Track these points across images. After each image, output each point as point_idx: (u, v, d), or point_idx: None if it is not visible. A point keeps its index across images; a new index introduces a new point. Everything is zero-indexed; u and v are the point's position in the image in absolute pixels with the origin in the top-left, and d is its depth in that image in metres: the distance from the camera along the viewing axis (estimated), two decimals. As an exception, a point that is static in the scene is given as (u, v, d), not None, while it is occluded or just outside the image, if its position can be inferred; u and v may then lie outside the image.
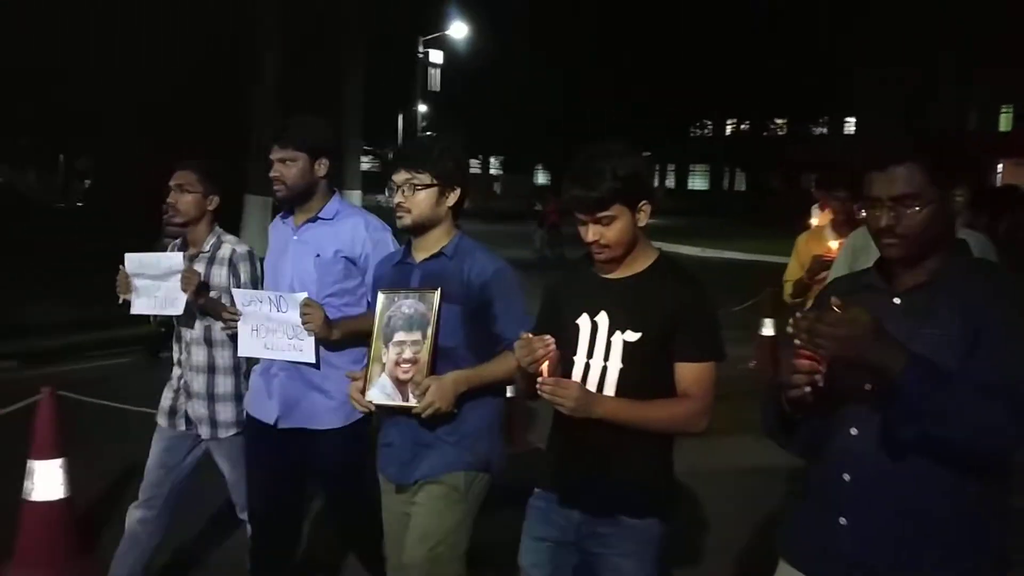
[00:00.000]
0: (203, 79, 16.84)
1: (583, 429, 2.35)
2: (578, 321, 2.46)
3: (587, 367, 2.43)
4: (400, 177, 2.76)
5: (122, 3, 16.60)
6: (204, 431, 3.51)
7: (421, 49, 28.03)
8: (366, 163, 32.66)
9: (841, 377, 1.81)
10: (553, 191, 25.94)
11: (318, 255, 3.20)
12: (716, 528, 4.57)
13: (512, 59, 35.61)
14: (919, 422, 1.72)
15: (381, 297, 2.81)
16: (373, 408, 2.78)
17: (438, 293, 2.70)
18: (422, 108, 28.29)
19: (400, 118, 30.82)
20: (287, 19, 13.50)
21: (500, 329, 2.73)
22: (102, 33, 16.82)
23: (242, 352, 3.27)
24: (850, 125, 45.11)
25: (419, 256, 2.84)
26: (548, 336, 2.33)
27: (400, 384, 2.71)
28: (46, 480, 3.61)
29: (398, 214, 2.78)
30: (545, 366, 2.29)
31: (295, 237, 3.28)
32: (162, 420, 3.56)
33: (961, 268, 1.91)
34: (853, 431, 1.90)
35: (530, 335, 2.33)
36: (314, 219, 3.26)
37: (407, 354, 2.71)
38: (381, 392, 2.74)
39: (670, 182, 53.69)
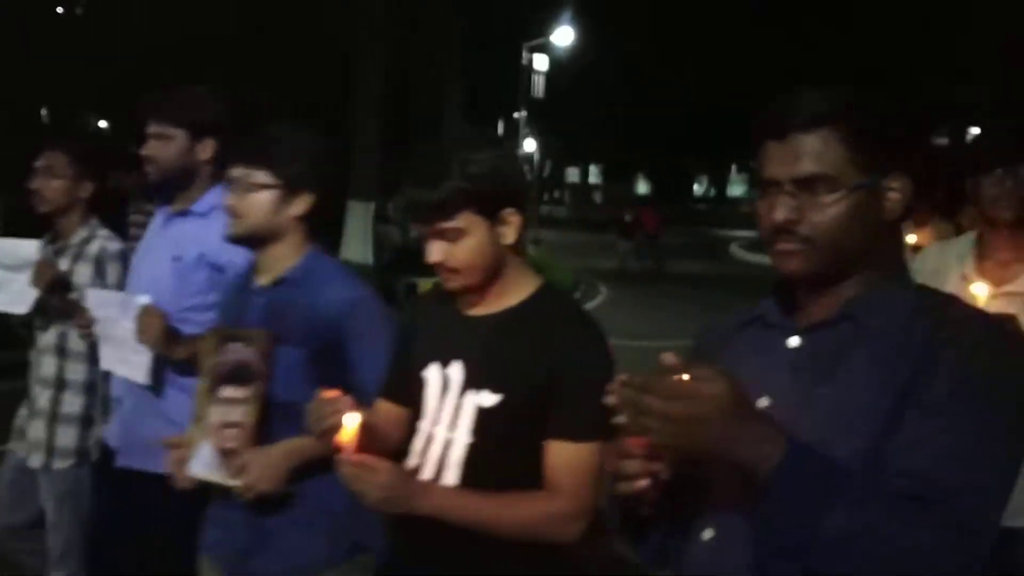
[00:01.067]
0: (304, 82, 17.07)
1: (424, 525, 1.68)
2: (425, 373, 1.81)
3: (430, 438, 1.78)
4: (234, 172, 2.14)
5: (225, 14, 16.93)
6: (36, 459, 2.99)
7: (525, 55, 27.91)
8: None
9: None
10: (653, 200, 25.46)
11: (178, 257, 2.60)
12: None
13: (615, 65, 35.08)
14: (796, 553, 1.09)
15: (206, 338, 2.16)
16: (195, 484, 2.11)
17: (266, 336, 2.06)
18: (524, 115, 28.14)
19: (500, 124, 30.75)
20: (387, 25, 13.52)
21: (358, 380, 2.02)
22: (196, 42, 17.16)
23: (102, 364, 2.73)
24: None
25: (262, 279, 2.19)
26: (342, 395, 1.69)
27: (226, 454, 2.07)
28: None
29: (228, 220, 2.16)
30: (347, 436, 1.57)
31: (162, 230, 2.72)
32: (16, 444, 3.12)
33: (894, 295, 1.28)
34: (707, 535, 1.30)
35: (326, 393, 1.69)
36: (186, 212, 2.67)
37: (234, 416, 2.06)
38: (202, 464, 2.09)
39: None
